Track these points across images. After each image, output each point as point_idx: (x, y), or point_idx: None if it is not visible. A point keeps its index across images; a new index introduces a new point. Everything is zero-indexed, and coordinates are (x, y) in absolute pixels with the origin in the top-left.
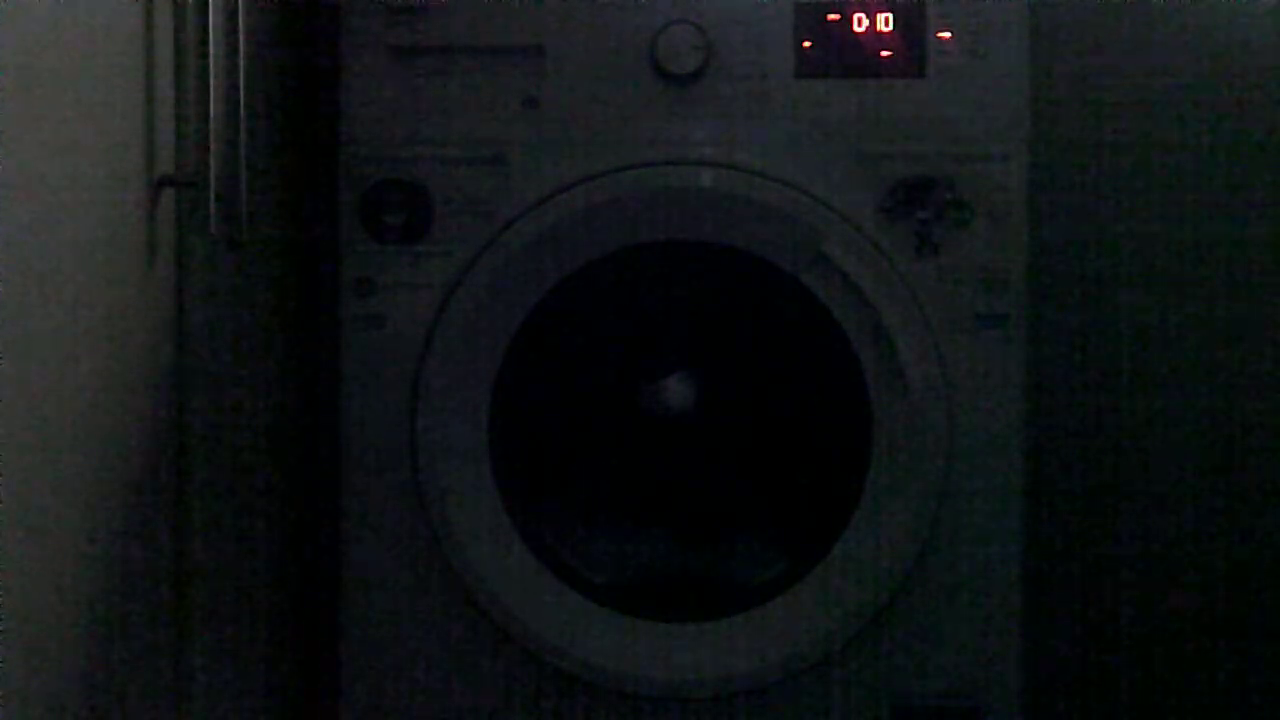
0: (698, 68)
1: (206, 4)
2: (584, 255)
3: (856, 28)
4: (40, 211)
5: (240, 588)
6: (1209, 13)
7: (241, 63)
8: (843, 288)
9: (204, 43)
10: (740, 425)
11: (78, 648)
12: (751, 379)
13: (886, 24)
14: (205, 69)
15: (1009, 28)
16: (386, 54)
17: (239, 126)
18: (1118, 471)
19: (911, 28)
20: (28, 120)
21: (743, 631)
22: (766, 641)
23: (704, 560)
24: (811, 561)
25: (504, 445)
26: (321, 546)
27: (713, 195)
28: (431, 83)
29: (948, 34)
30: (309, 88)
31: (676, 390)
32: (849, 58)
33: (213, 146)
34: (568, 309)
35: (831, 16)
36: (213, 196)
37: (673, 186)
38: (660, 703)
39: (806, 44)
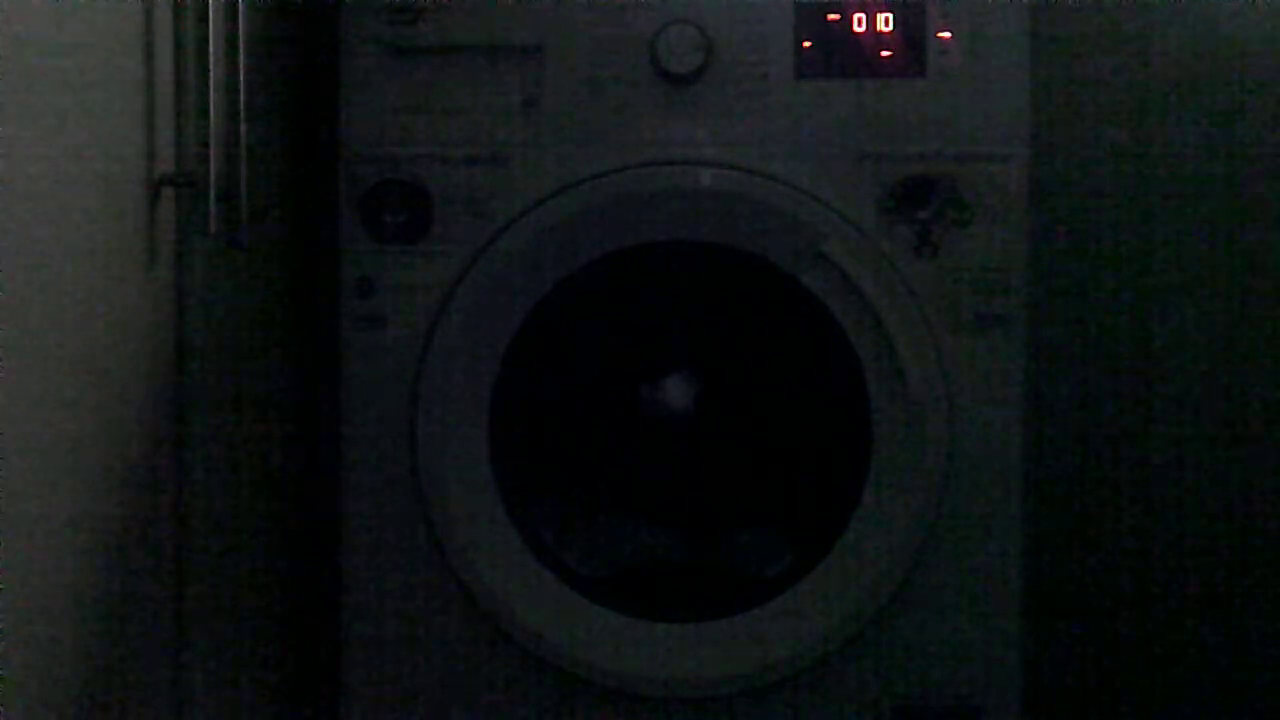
0: (698, 68)
1: (206, 4)
2: (584, 255)
3: (856, 28)
4: (40, 211)
5: (240, 587)
6: (1209, 13)
7: (241, 63)
8: (843, 288)
9: (204, 43)
10: (740, 425)
11: (78, 648)
12: (751, 379)
13: (886, 24)
14: (205, 69)
15: (1009, 28)
16: (386, 54)
17: (239, 126)
18: (1117, 471)
19: (911, 28)
20: (28, 120)
21: (742, 632)
22: (766, 641)
23: (703, 561)
24: (811, 562)
25: (504, 445)
26: (321, 546)
27: (713, 195)
28: (431, 83)
29: (948, 34)
30: (309, 88)
31: (676, 390)
32: (849, 58)
33: (213, 146)
34: (568, 309)
35: (831, 16)
36: (213, 196)
37: (673, 186)
38: (660, 702)
39: (806, 44)
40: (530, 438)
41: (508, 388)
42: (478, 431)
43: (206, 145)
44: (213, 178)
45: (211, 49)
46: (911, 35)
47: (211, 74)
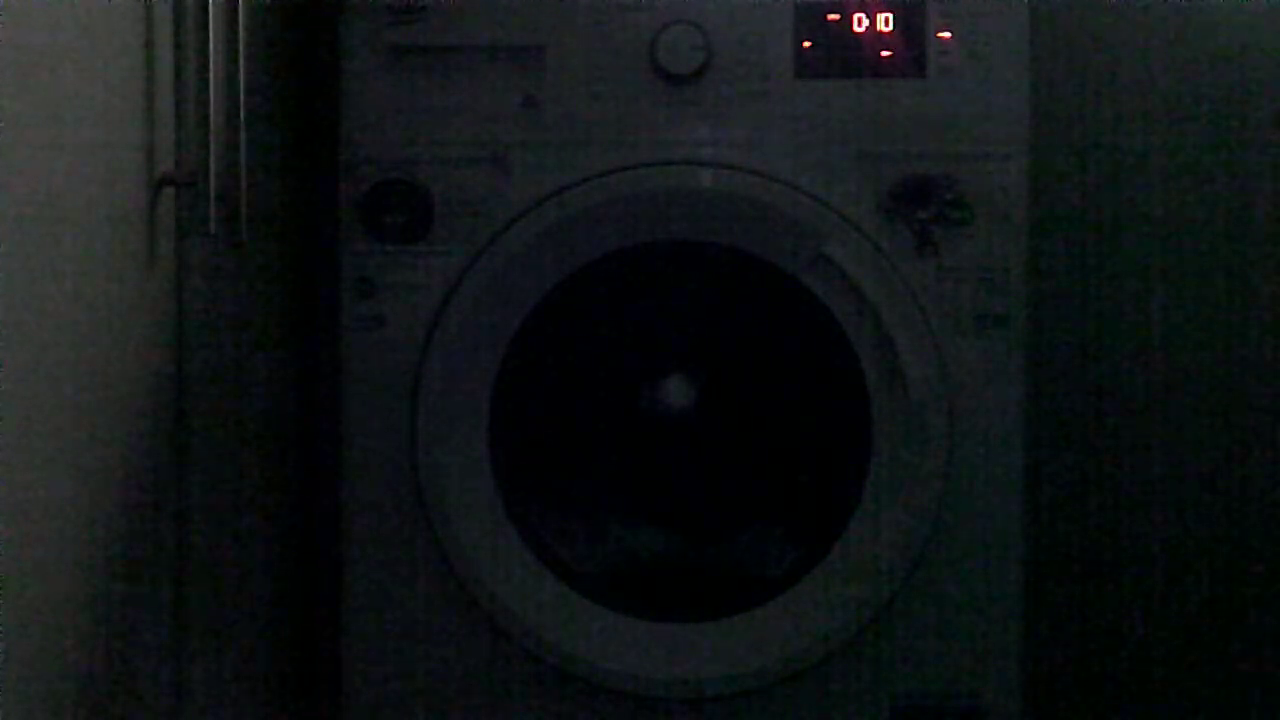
0: (698, 68)
1: (206, 4)
2: (584, 255)
3: (856, 28)
4: (40, 211)
5: (240, 587)
6: (1209, 13)
7: (241, 63)
8: (843, 288)
9: (204, 43)
10: (740, 425)
11: (78, 648)
12: (751, 379)
13: (886, 24)
14: (205, 69)
15: (1009, 28)
16: (386, 54)
17: (239, 126)
18: (1117, 471)
19: (911, 28)
20: (28, 120)
21: (743, 631)
22: (766, 641)
23: (703, 561)
24: (812, 562)
25: (504, 445)
26: (321, 546)
27: (713, 195)
28: (431, 83)
29: (948, 34)
30: (309, 88)
31: (677, 390)
32: (849, 58)
33: (213, 146)
34: (568, 309)
35: (831, 16)
36: (213, 196)
37: (673, 186)
38: (660, 702)
39: (806, 44)
40: (530, 437)
41: (508, 388)
42: (478, 431)
43: (206, 145)
44: (213, 178)
45: (211, 49)
46: (911, 35)
47: (211, 74)
